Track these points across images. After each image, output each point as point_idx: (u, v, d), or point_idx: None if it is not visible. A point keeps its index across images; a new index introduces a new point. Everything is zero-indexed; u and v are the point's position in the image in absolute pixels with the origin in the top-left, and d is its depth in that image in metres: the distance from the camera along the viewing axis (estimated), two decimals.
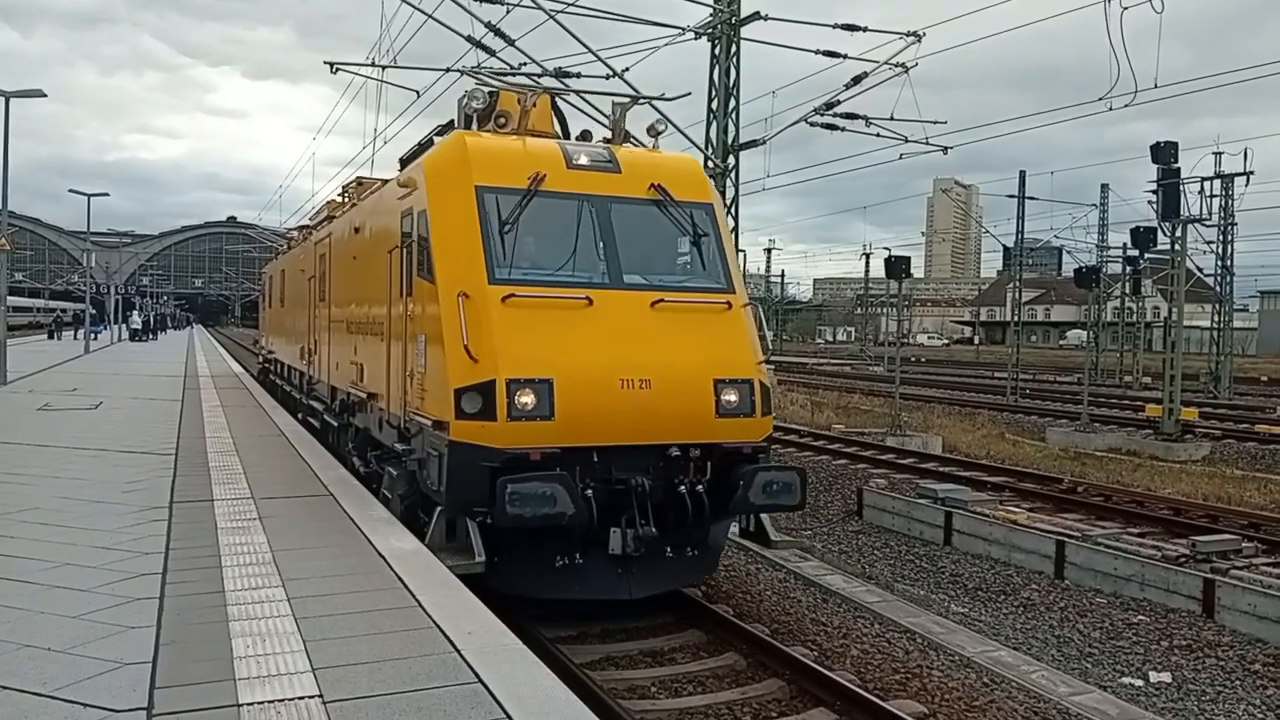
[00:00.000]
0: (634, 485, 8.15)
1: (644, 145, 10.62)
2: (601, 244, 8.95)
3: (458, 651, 5.23)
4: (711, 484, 8.57)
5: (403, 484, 9.61)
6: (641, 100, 10.76)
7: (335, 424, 14.25)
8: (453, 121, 10.52)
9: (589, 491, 7.86)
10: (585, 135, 10.69)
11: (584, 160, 9.26)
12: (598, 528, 8.07)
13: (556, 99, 11.01)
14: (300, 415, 18.29)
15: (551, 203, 8.91)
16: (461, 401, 7.91)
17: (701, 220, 9.49)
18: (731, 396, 8.62)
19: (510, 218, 8.65)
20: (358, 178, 15.70)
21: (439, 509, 8.37)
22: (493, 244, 8.55)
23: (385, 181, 11.95)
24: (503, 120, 9.87)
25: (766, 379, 9.03)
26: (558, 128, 10.70)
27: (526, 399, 7.89)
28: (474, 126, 9.84)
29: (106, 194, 49.19)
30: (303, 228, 22.62)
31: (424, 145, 10.92)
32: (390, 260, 10.11)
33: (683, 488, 8.36)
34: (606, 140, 10.36)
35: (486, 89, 10.09)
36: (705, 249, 9.44)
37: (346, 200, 15.80)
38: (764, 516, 9.34)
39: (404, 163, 11.35)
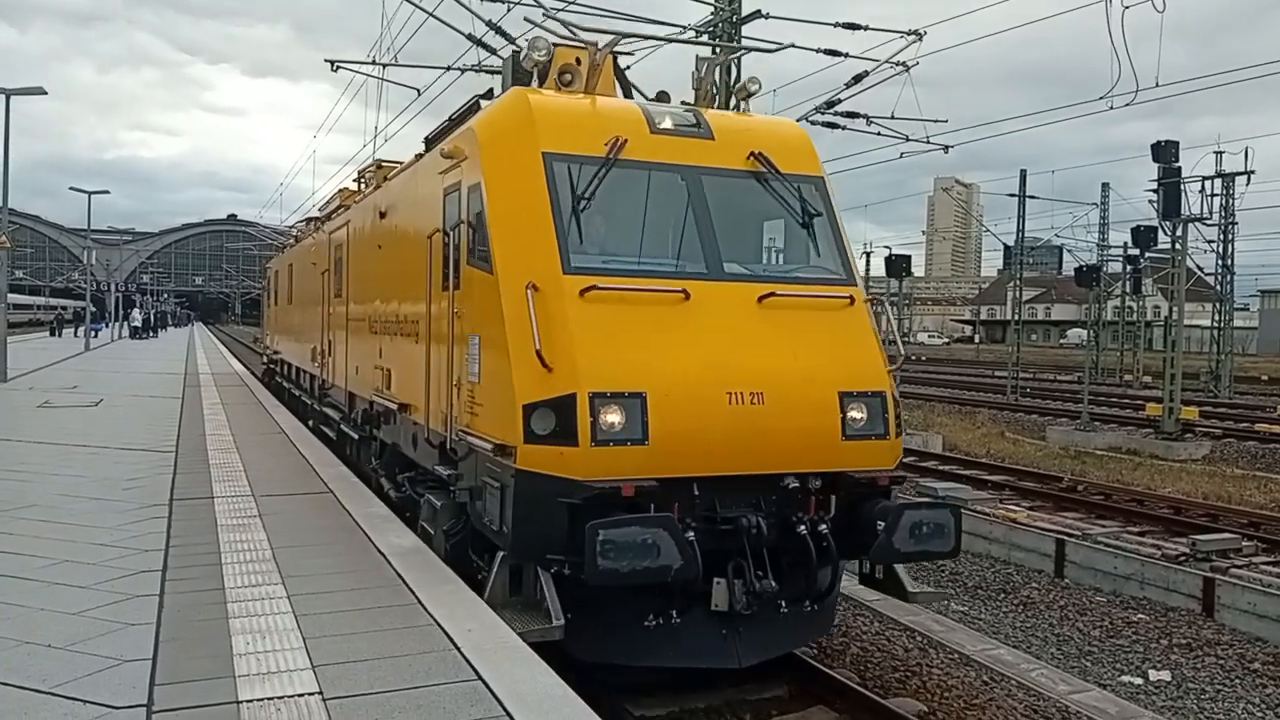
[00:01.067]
0: (745, 526, 6.62)
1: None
2: (696, 225, 7.41)
3: (457, 649, 5.24)
4: (836, 522, 7.04)
5: (448, 517, 8.02)
6: (735, 53, 9.04)
7: (355, 436, 12.55)
8: (490, 91, 9.12)
9: (690, 535, 6.24)
10: (662, 97, 9.08)
11: (669, 124, 7.70)
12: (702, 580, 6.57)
13: (618, 59, 9.05)
14: (311, 423, 16.73)
15: (635, 174, 7.37)
16: (531, 421, 6.40)
17: (811, 196, 7.94)
18: (860, 413, 7.10)
19: (587, 191, 7.09)
20: (376, 160, 14.15)
21: (500, 554, 6.77)
22: (566, 224, 7.00)
23: (420, 156, 10.23)
24: (568, 77, 8.15)
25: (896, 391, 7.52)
26: (619, 92, 8.97)
27: (613, 418, 6.40)
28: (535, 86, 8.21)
29: (107, 191, 49.49)
30: (311, 220, 20.97)
31: (456, 119, 9.30)
32: (430, 247, 8.52)
33: (802, 528, 6.82)
34: (685, 104, 8.70)
35: (549, 39, 8.25)
36: (819, 231, 7.91)
37: (364, 186, 14.45)
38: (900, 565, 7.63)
39: (429, 142, 9.89)
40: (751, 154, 7.80)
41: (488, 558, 7.18)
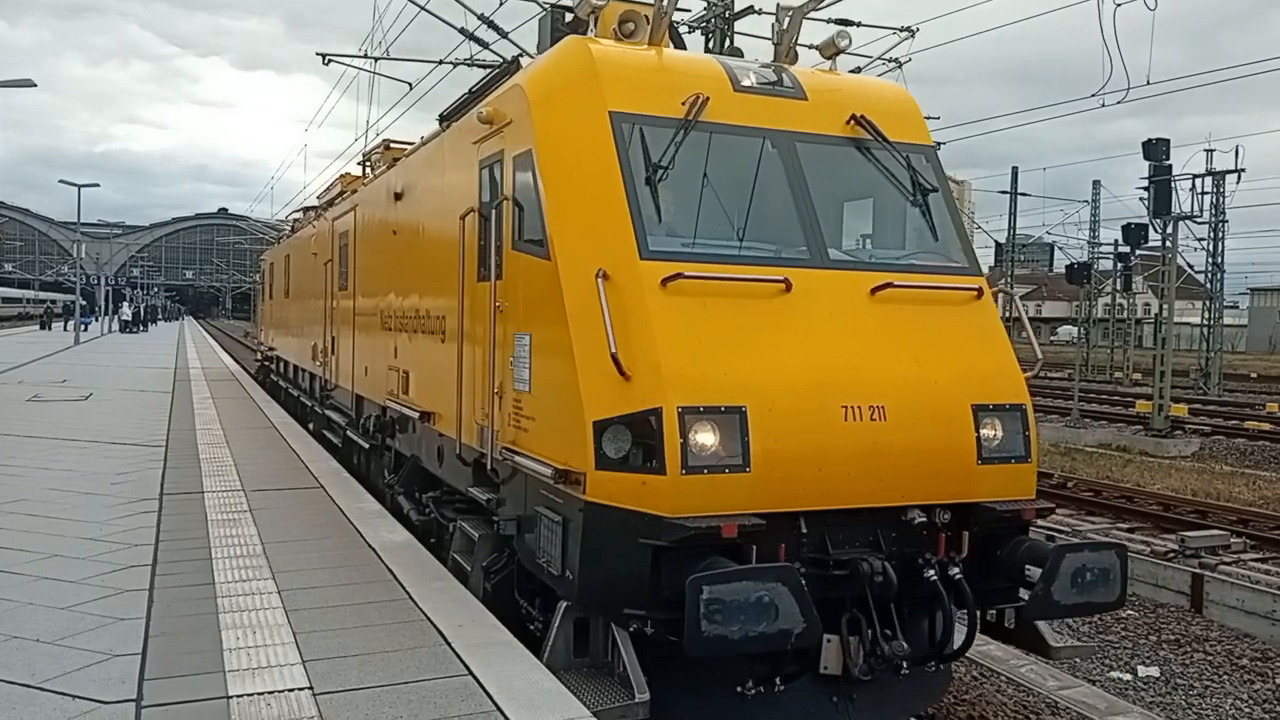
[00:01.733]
0: (866, 571, 5.41)
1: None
2: (793, 200, 6.23)
3: (448, 644, 5.24)
4: (969, 564, 5.84)
5: (488, 550, 6.87)
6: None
7: (365, 445, 11.36)
8: (520, 58, 7.72)
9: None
10: (734, 53, 7.54)
11: (754, 81, 6.51)
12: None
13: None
14: (312, 426, 15.62)
15: (719, 139, 6.18)
16: (603, 441, 5.27)
17: (924, 169, 6.78)
18: (996, 431, 5.93)
19: (664, 159, 5.92)
20: (385, 141, 12.94)
21: (563, 605, 5.59)
22: (642, 198, 5.82)
23: (445, 124, 8.81)
24: (630, 26, 6.83)
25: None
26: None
27: (707, 438, 5.21)
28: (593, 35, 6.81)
29: (97, 185, 49.41)
30: (309, 209, 19.85)
31: (482, 88, 8.14)
32: (462, 230, 7.34)
33: (931, 572, 5.62)
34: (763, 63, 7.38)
35: None
36: (935, 210, 6.72)
37: (369, 171, 13.25)
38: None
39: (446, 119, 8.90)
40: (852, 118, 6.64)
41: (540, 604, 6.23)
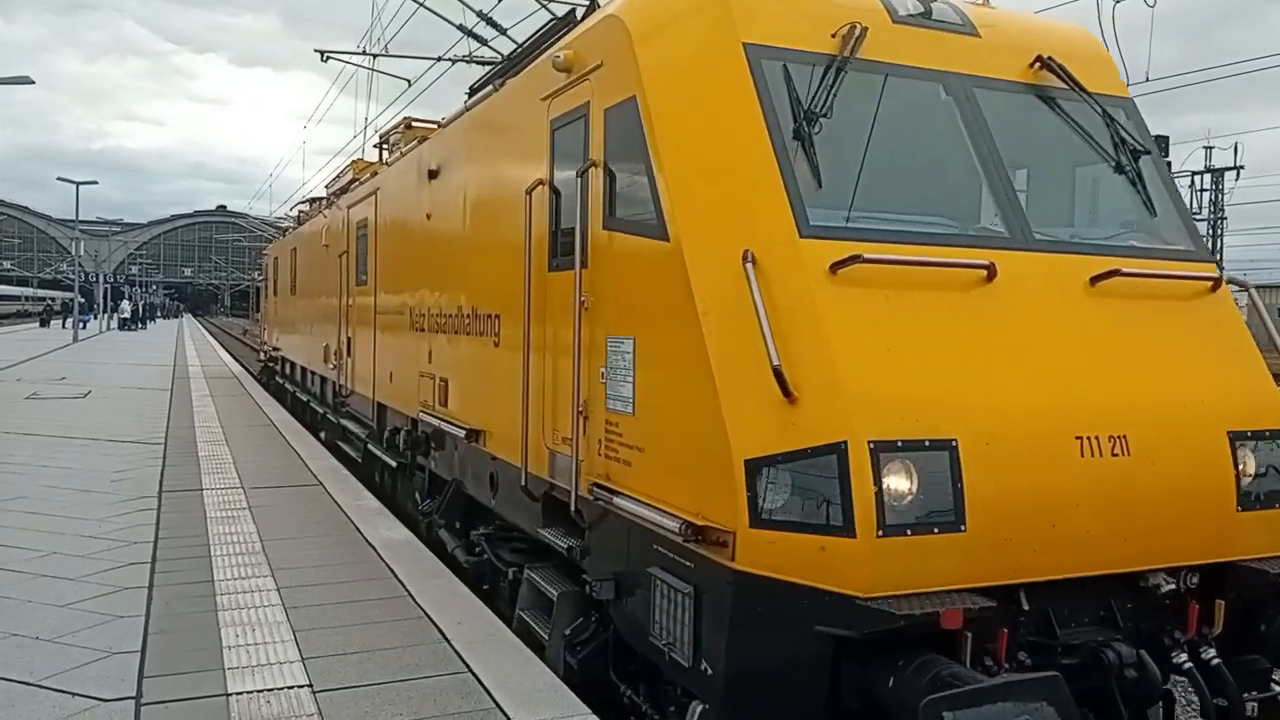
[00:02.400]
0: (1110, 661, 4.14)
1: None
2: (979, 162, 4.93)
3: (448, 641, 5.24)
4: (1223, 643, 4.56)
5: (571, 614, 5.49)
6: None
7: (392, 463, 9.89)
8: (574, 12, 6.53)
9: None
10: None
11: (915, 10, 5.21)
12: None
13: None
14: (324, 436, 14.11)
15: (880, 82, 4.87)
16: (760, 488, 3.91)
17: (1128, 127, 5.50)
18: (1255, 466, 4.61)
19: (819, 105, 4.59)
20: (406, 119, 11.52)
21: (697, 708, 4.30)
22: (795, 157, 4.48)
23: (496, 79, 7.50)
24: None
25: None
26: None
27: (901, 483, 3.85)
28: None
29: (95, 182, 49.16)
30: (315, 200, 18.53)
31: (518, 58, 7.01)
32: (527, 208, 5.95)
33: (1182, 657, 4.38)
34: None
35: None
36: (1148, 179, 5.38)
37: (388, 154, 11.92)
38: None
39: (475, 92, 8.02)
40: (1038, 60, 5.34)
41: (648, 692, 5.03)
